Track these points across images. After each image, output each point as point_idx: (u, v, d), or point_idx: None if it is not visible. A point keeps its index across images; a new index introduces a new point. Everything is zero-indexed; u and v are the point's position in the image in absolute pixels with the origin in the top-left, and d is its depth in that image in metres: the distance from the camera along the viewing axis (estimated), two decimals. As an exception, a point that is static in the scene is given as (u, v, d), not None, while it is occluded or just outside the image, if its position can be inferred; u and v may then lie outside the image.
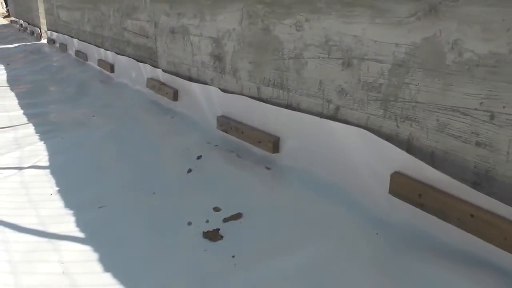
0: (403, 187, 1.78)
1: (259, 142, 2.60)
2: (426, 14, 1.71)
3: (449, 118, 1.68)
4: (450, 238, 1.66)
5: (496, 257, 1.51)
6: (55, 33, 7.73)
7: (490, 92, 1.53)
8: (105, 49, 5.22)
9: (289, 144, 2.44)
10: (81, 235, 2.02)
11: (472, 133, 1.61)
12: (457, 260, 1.60)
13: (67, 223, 2.11)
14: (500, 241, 1.47)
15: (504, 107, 1.50)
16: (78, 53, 6.27)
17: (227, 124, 2.90)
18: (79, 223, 2.11)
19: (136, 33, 4.39)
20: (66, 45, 7.04)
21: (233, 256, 1.79)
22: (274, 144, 2.51)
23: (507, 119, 1.49)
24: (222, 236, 1.94)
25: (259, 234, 1.93)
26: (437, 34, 1.68)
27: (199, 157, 2.80)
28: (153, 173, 2.69)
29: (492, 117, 1.54)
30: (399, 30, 1.81)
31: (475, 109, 1.58)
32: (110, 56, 5.07)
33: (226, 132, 2.92)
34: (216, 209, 2.17)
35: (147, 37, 4.16)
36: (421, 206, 1.72)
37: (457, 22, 1.60)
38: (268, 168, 2.51)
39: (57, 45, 7.57)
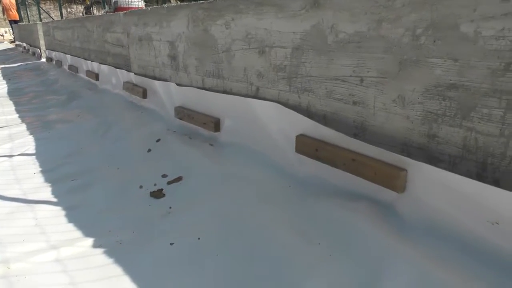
0: (304, 145, 1.95)
1: (205, 124, 2.76)
2: (312, 6, 1.88)
3: (333, 86, 1.85)
4: (339, 181, 1.83)
5: (369, 190, 1.68)
6: (53, 52, 7.82)
7: (358, 61, 1.71)
8: (91, 61, 5.34)
9: (227, 123, 2.60)
10: (54, 200, 2.21)
11: (350, 95, 1.78)
12: (344, 197, 1.76)
13: (44, 192, 2.30)
14: (372, 176, 1.63)
15: (368, 71, 1.67)
16: (70, 67, 6.39)
17: (182, 112, 3.06)
18: (54, 192, 2.30)
19: (114, 44, 4.53)
20: (61, 61, 7.15)
21: (170, 207, 1.97)
22: (215, 124, 2.67)
23: (371, 81, 1.67)
24: (164, 194, 2.12)
25: (193, 191, 2.10)
26: (320, 22, 1.85)
27: (158, 140, 2.96)
28: (120, 154, 2.86)
29: (361, 80, 1.71)
30: (294, 21, 1.98)
31: (350, 76, 1.76)
32: (95, 66, 5.19)
33: (182, 120, 3.07)
34: (164, 176, 2.34)
35: (122, 47, 4.30)
36: (318, 158, 1.88)
37: (333, 11, 1.78)
38: (211, 145, 2.67)
39: (54, 62, 7.66)
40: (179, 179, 2.28)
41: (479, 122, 1.35)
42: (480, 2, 1.30)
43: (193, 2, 2.92)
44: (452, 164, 1.44)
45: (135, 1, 11.20)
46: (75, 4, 14.39)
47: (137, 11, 3.90)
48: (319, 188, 1.88)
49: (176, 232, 1.74)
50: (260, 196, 1.95)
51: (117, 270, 1.50)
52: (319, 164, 1.87)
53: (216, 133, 2.69)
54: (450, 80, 1.41)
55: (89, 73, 5.36)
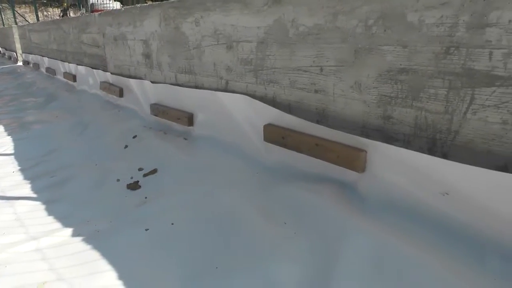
0: (272, 134, 2.02)
1: (179, 119, 2.81)
2: (274, 2, 1.95)
3: (296, 76, 1.92)
4: (305, 165, 1.90)
5: (333, 172, 1.75)
6: (29, 55, 7.72)
7: (318, 52, 1.78)
8: (68, 63, 5.31)
9: (200, 118, 2.65)
10: (33, 195, 2.25)
11: (311, 84, 1.85)
12: (309, 180, 1.84)
13: (23, 189, 2.32)
14: (335, 159, 1.71)
15: (327, 61, 1.74)
16: (48, 69, 6.32)
17: (157, 109, 3.10)
18: (33, 188, 2.33)
19: (90, 44, 4.52)
20: (38, 64, 7.07)
21: (146, 197, 2.02)
22: (189, 119, 2.72)
23: (330, 70, 1.74)
24: (140, 186, 2.16)
25: (168, 181, 2.16)
26: (282, 16, 1.91)
27: (134, 137, 2.99)
28: (97, 151, 2.89)
29: (321, 70, 1.79)
30: (258, 17, 2.05)
31: (311, 66, 1.83)
32: (72, 68, 5.17)
33: (157, 116, 3.11)
34: (140, 169, 2.38)
35: (98, 47, 4.30)
36: (284, 145, 1.95)
37: (293, 6, 1.85)
38: (185, 139, 2.72)
39: (31, 65, 7.56)
40: (154, 171, 2.33)
41: (428, 102, 1.44)
42: (423, -8, 1.38)
43: (164, 1, 2.96)
44: (407, 142, 1.53)
45: (110, 3, 11.12)
46: (51, 7, 14.16)
47: (111, 12, 3.91)
48: (286, 173, 1.95)
49: (151, 219, 1.79)
50: (229, 183, 2.02)
51: (94, 255, 1.55)
52: (286, 151, 1.94)
53: (190, 127, 2.74)
54: (400, 65, 1.49)
55: (67, 74, 5.33)
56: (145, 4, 3.24)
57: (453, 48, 1.34)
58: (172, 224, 1.74)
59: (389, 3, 1.48)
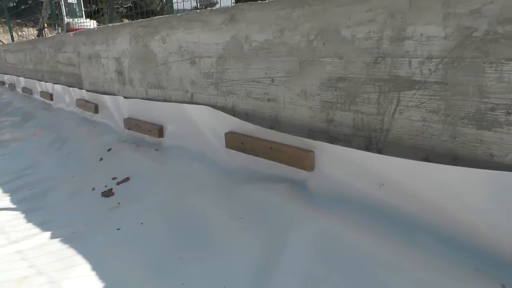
0: (232, 140, 2.16)
1: (150, 131, 2.93)
2: (230, 21, 2.11)
3: (251, 87, 2.08)
4: (261, 167, 2.04)
5: (286, 172, 1.90)
6: (5, 76, 7.71)
7: (269, 65, 1.94)
8: (45, 82, 5.37)
9: (169, 129, 2.78)
10: (13, 206, 2.36)
11: (265, 93, 2.01)
12: (265, 180, 1.98)
13: (3, 201, 2.45)
14: (287, 160, 1.86)
15: (277, 72, 1.91)
16: (24, 89, 6.35)
17: (130, 123, 3.21)
18: (13, 200, 2.46)
19: (66, 63, 4.61)
20: (14, 84, 7.07)
21: (119, 203, 2.13)
22: (159, 131, 2.84)
23: (279, 80, 1.91)
24: (114, 193, 2.29)
25: (139, 188, 2.28)
26: (237, 33, 2.08)
27: (109, 150, 3.10)
28: (74, 164, 2.99)
29: (272, 80, 1.95)
30: (217, 34, 2.20)
31: (263, 77, 1.99)
32: (49, 87, 5.23)
33: (130, 129, 3.22)
34: (114, 178, 2.50)
35: (74, 65, 4.40)
36: (243, 150, 2.10)
37: (246, 24, 2.01)
38: (156, 150, 2.84)
39: (7, 85, 7.55)
40: (126, 179, 2.44)
41: (362, 105, 1.61)
42: (353, 12, 1.56)
43: (134, 21, 3.09)
44: (347, 141, 1.69)
45: (85, 22, 11.19)
46: (26, 27, 14.10)
47: (85, 31, 4.02)
48: (246, 175, 2.10)
49: (123, 220, 1.92)
50: (195, 187, 2.15)
51: (71, 252, 1.68)
52: (245, 156, 2.09)
53: (160, 138, 2.86)
54: (338, 74, 1.66)
55: (44, 93, 5.38)
56: (116, 24, 3.36)
57: (380, 58, 1.52)
58: (142, 223, 1.87)
59: (326, 20, 1.66)
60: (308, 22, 1.73)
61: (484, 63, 1.29)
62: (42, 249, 1.74)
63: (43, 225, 2.02)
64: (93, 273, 1.53)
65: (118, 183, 2.44)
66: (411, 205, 1.48)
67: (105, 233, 1.85)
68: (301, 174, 1.85)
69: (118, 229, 1.86)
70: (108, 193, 2.33)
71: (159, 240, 1.74)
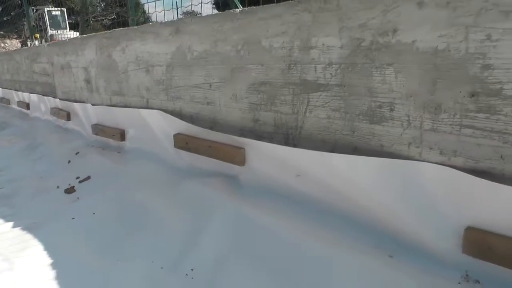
0: (179, 141, 2.35)
1: (113, 135, 3.11)
2: (176, 33, 2.31)
3: (194, 92, 2.27)
4: (203, 164, 2.24)
5: (223, 168, 2.10)
6: (-13, 86, 7.79)
7: (207, 72, 2.15)
8: (22, 92, 5.50)
9: (130, 133, 2.96)
10: None
11: (205, 98, 2.21)
12: (205, 176, 2.17)
13: None
14: (223, 157, 2.06)
15: (213, 79, 2.11)
16: (2, 99, 6.47)
17: (97, 128, 3.38)
18: None
19: (41, 73, 4.76)
20: (-7, 95, 7.16)
21: (78, 198, 2.31)
22: (121, 135, 3.02)
23: (216, 86, 2.11)
24: (75, 190, 2.47)
25: (98, 185, 2.48)
26: (182, 44, 2.28)
27: (77, 153, 3.27)
28: (44, 167, 3.17)
29: (210, 86, 2.15)
30: (166, 44, 2.40)
31: (203, 83, 2.19)
32: (26, 96, 5.36)
33: (97, 135, 3.39)
34: (77, 178, 2.68)
35: (48, 75, 4.55)
36: (189, 149, 2.29)
37: (188, 35, 2.22)
38: (118, 152, 3.02)
39: (-14, 96, 7.63)
40: (88, 178, 2.62)
41: (281, 106, 1.82)
42: (270, 25, 1.78)
43: (99, 33, 3.28)
44: (270, 138, 1.90)
45: (69, 34, 11.32)
46: (9, 38, 14.17)
47: (58, 42, 4.20)
48: (191, 172, 2.29)
49: (78, 212, 2.12)
50: (146, 183, 2.34)
51: (28, 237, 1.90)
52: (190, 154, 2.28)
53: (123, 142, 3.04)
54: (261, 79, 1.87)
55: (20, 103, 5.52)
56: (84, 36, 3.55)
57: (293, 65, 1.73)
58: (94, 213, 2.06)
59: (250, 33, 1.87)
60: (236, 34, 1.94)
61: (372, 68, 1.51)
62: (2, 236, 1.92)
63: (7, 218, 2.19)
64: (44, 252, 1.73)
65: (80, 182, 2.62)
66: (321, 192, 1.68)
67: (60, 222, 2.04)
68: (234, 169, 2.05)
69: (72, 219, 2.05)
70: (70, 190, 2.50)
71: (107, 227, 1.93)
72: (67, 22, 12.97)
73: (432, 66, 1.37)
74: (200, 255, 1.60)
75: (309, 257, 1.51)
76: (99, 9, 20.35)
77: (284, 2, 1.72)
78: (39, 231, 1.97)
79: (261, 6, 1.80)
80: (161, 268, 1.60)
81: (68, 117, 4.08)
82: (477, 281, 1.35)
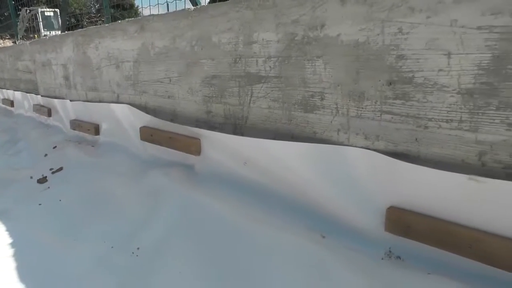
0: (144, 133, 2.48)
1: (89, 130, 3.23)
2: (140, 30, 2.43)
3: (157, 86, 2.40)
4: (165, 155, 2.37)
5: (181, 158, 2.22)
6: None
7: (167, 67, 2.27)
8: (6, 89, 5.62)
9: (103, 127, 3.08)
10: None
11: (166, 91, 2.34)
12: (166, 165, 2.30)
13: None
14: (181, 147, 2.19)
15: (172, 73, 2.23)
16: (-11, 97, 6.57)
17: (74, 123, 3.51)
18: None
19: (24, 71, 4.88)
20: (-19, 93, 7.27)
21: (49, 187, 2.44)
22: (95, 129, 3.15)
23: (175, 80, 2.24)
24: (47, 180, 2.60)
25: (69, 175, 2.62)
26: (146, 41, 2.40)
27: (54, 147, 3.39)
28: (22, 160, 3.30)
29: (170, 80, 2.27)
30: (132, 41, 2.53)
31: (164, 78, 2.31)
32: (10, 94, 5.48)
33: (75, 130, 3.52)
34: (51, 169, 2.80)
35: (31, 73, 4.67)
36: (152, 141, 2.42)
37: (151, 32, 2.34)
38: (93, 146, 3.14)
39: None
40: (60, 169, 2.75)
41: (229, 98, 1.95)
42: (218, 22, 1.90)
43: (75, 30, 3.40)
44: (221, 128, 2.02)
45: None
46: (2, 39, 14.29)
47: (39, 40, 4.32)
48: (154, 162, 2.42)
49: (46, 199, 2.25)
50: (114, 173, 2.47)
51: None
52: (154, 146, 2.41)
53: (97, 136, 3.17)
54: (212, 72, 2.00)
55: (5, 100, 5.63)
56: (62, 33, 3.67)
57: (238, 59, 1.86)
58: (60, 200, 2.19)
59: (202, 29, 2.00)
60: (191, 30, 2.06)
61: (304, 60, 1.63)
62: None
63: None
64: (6, 233, 1.85)
65: (53, 172, 2.74)
66: (263, 178, 1.81)
67: (27, 207, 2.18)
68: (191, 158, 2.17)
69: (39, 204, 2.18)
70: (42, 180, 2.62)
71: (70, 211, 2.07)
72: (59, 22, 13.06)
73: (355, 57, 1.49)
74: (147, 236, 1.72)
75: (248, 238, 1.63)
76: (93, 10, 20.47)
77: (230, 0, 1.84)
78: (6, 215, 2.10)
79: (211, 4, 1.93)
80: (112, 247, 1.72)
81: (49, 113, 4.20)
82: (399, 257, 1.46)
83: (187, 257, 1.60)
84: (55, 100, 3.93)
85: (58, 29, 14.02)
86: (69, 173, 2.69)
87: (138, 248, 1.68)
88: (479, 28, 1.24)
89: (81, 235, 1.85)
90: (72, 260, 1.68)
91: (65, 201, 2.19)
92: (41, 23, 13.46)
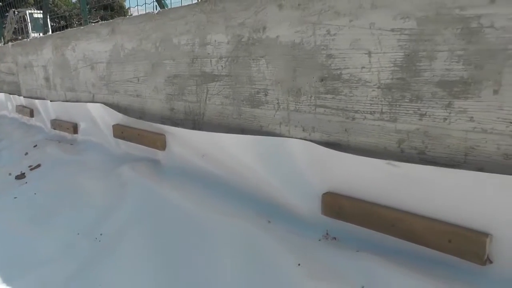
0: (116, 131, 2.71)
1: (68, 129, 3.46)
2: (112, 33, 2.66)
3: (127, 86, 2.62)
4: (135, 150, 2.59)
5: (149, 153, 2.44)
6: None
7: (135, 67, 2.50)
8: (-8, 91, 5.82)
9: (81, 126, 3.31)
10: None
11: (135, 90, 2.56)
12: (135, 160, 2.52)
13: None
14: (148, 143, 2.41)
15: (140, 73, 2.46)
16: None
17: (55, 123, 3.73)
18: None
19: (7, 73, 5.11)
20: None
21: (26, 182, 2.67)
22: (74, 128, 3.37)
23: (142, 79, 2.46)
24: (25, 176, 2.81)
25: (45, 172, 2.85)
26: (117, 42, 2.63)
27: (35, 146, 3.62)
28: (2, 158, 3.54)
29: (138, 80, 2.50)
30: (105, 43, 2.75)
31: (133, 77, 2.54)
32: (-5, 96, 5.69)
33: (55, 129, 3.74)
34: (29, 166, 3.02)
35: (13, 74, 4.90)
36: (124, 138, 2.64)
37: (121, 35, 2.57)
38: (71, 144, 3.37)
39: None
40: (38, 166, 2.97)
41: (188, 96, 2.17)
42: (178, 25, 2.13)
43: (54, 33, 3.63)
44: (182, 124, 2.25)
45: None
46: (-11, 42, 14.49)
47: (20, 42, 4.55)
48: (125, 158, 2.64)
49: (21, 192, 2.47)
50: (88, 170, 2.69)
51: None
52: (126, 142, 2.64)
53: (76, 135, 3.39)
54: (174, 72, 2.22)
55: (-10, 102, 5.85)
56: (42, 36, 3.90)
57: (195, 59, 2.08)
58: (35, 193, 2.41)
59: (164, 31, 2.22)
60: (155, 32, 2.29)
61: (250, 60, 1.86)
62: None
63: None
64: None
65: (31, 169, 2.96)
66: (217, 169, 2.03)
67: (3, 201, 2.39)
68: (158, 153, 2.40)
69: (15, 198, 2.40)
70: (20, 176, 2.85)
71: (43, 203, 2.30)
72: (49, 25, 13.28)
73: (292, 57, 1.72)
74: (110, 224, 1.94)
75: (200, 224, 1.85)
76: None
77: (187, 4, 2.07)
78: (-17, 208, 2.32)
79: (171, 7, 2.16)
80: (77, 234, 1.94)
81: (31, 114, 4.42)
82: (334, 238, 1.68)
83: (144, 242, 1.82)
84: (37, 101, 4.15)
85: (47, 31, 14.25)
86: (46, 170, 2.92)
87: (101, 234, 1.90)
88: (392, 30, 1.46)
89: (51, 224, 2.07)
90: (41, 246, 1.90)
91: (40, 194, 2.41)
92: (29, 24, 13.67)
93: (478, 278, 1.29)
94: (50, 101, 3.85)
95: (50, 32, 13.18)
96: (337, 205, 1.65)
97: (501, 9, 1.20)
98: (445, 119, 1.39)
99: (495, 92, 1.28)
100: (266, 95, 1.83)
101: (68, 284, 1.61)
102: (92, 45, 2.92)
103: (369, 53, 1.52)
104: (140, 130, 2.48)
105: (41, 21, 14.69)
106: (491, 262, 1.28)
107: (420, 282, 1.31)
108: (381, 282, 1.37)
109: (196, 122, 2.17)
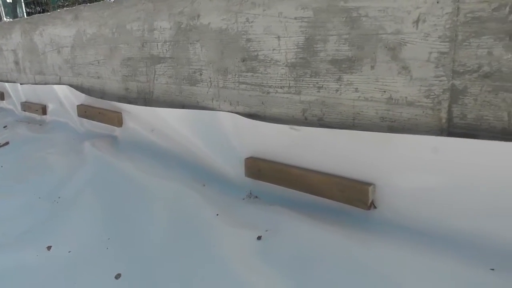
0: (81, 111, 3.22)
1: (37, 111, 3.97)
2: (75, 18, 3.16)
3: (89, 68, 3.14)
4: (98, 128, 3.10)
5: (110, 130, 2.95)
6: None
7: (96, 51, 3.00)
8: (-35, 77, 6.33)
9: (50, 107, 3.83)
10: None
11: (96, 72, 3.07)
12: (98, 137, 3.04)
13: None
14: (108, 120, 2.91)
15: (100, 56, 2.97)
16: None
17: (25, 105, 4.25)
18: None
19: (-20, 59, 5.60)
20: None
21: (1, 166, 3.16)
22: (43, 110, 3.89)
23: (102, 62, 2.96)
24: (-9, 156, 3.30)
25: (14, 147, 3.38)
26: (79, 28, 3.14)
27: (5, 127, 4.14)
28: (-27, 142, 4.01)
29: (99, 62, 3.01)
30: (69, 29, 3.26)
31: (94, 60, 3.05)
32: (-31, 81, 6.20)
33: (25, 111, 4.25)
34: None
35: (-14, 60, 5.39)
36: (87, 117, 3.16)
37: (83, 21, 3.07)
38: (40, 125, 3.89)
39: None
40: (6, 143, 3.50)
41: (140, 76, 2.69)
42: (130, 12, 2.64)
43: (23, 18, 4.14)
44: (136, 102, 2.76)
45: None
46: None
47: (-8, 28, 5.04)
48: (89, 135, 3.16)
49: None
50: (53, 146, 3.21)
51: None
52: (89, 121, 3.15)
53: (44, 116, 3.91)
54: (127, 55, 2.74)
55: (-37, 87, 6.36)
56: (11, 20, 4.41)
57: (145, 43, 2.60)
58: (1, 166, 2.92)
59: (120, 18, 2.74)
60: (111, 19, 2.80)
61: (188, 43, 2.37)
62: None
63: None
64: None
65: (0, 146, 3.49)
66: (164, 141, 2.55)
67: (-31, 174, 2.90)
68: (116, 130, 2.91)
69: (-19, 171, 2.91)
70: (-16, 156, 3.37)
71: (9, 173, 2.81)
72: (24, 10, 13.74)
73: (220, 41, 2.23)
74: (68, 189, 2.46)
75: (144, 187, 2.37)
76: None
77: (137, -6, 2.58)
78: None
79: (124, -3, 2.67)
80: (39, 198, 2.46)
81: (2, 97, 4.93)
82: (256, 197, 2.18)
83: (95, 202, 2.33)
84: (7, 84, 4.67)
85: (21, 17, 14.71)
86: (15, 147, 3.44)
87: (59, 197, 2.42)
88: (295, 18, 1.97)
89: (15, 190, 2.58)
90: (3, 208, 2.42)
91: (6, 166, 2.93)
92: (2, 9, 14.14)
93: (364, 221, 1.73)
94: (20, 84, 4.36)
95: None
96: (256, 168, 2.12)
97: (373, 2, 1.69)
98: (337, 90, 1.89)
99: (372, 67, 1.78)
100: (201, 74, 2.35)
101: (23, 236, 2.11)
102: (58, 30, 3.43)
103: (278, 37, 2.02)
104: (100, 109, 2.99)
105: (16, 5, 15.16)
106: (375, 207, 1.73)
107: (318, 227, 1.73)
108: (283, 227, 1.82)
109: (146, 100, 2.69)
